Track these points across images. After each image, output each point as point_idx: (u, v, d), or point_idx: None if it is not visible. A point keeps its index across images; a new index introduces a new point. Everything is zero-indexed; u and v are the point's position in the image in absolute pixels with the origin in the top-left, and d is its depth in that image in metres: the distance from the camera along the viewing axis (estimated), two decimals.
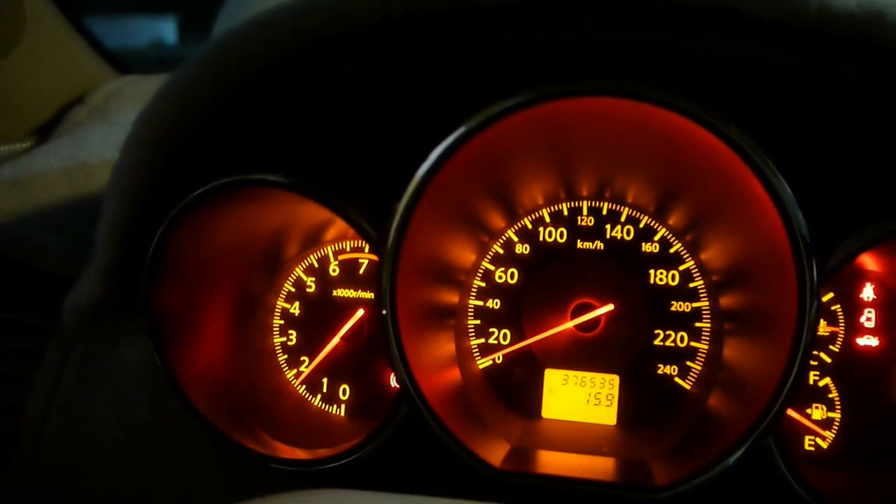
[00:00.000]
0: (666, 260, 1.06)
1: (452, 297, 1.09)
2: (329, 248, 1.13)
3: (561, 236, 1.09)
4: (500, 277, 1.10)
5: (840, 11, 0.65)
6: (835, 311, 1.03)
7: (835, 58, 0.71)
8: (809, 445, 1.03)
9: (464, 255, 1.09)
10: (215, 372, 1.01)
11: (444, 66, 0.83)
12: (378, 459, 0.88)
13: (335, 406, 1.11)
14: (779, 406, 0.78)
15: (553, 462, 0.90)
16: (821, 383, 1.03)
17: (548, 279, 1.09)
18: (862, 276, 1.02)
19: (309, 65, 0.76)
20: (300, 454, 0.95)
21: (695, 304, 1.05)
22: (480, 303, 1.10)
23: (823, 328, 1.03)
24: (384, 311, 0.85)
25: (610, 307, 1.06)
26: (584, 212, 1.09)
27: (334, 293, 1.12)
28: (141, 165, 0.78)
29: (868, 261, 1.00)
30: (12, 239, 1.05)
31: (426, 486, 0.87)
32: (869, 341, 1.02)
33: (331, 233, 1.12)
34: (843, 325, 1.03)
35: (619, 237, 1.08)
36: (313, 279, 1.13)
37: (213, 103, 0.75)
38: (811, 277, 0.77)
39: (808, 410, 1.02)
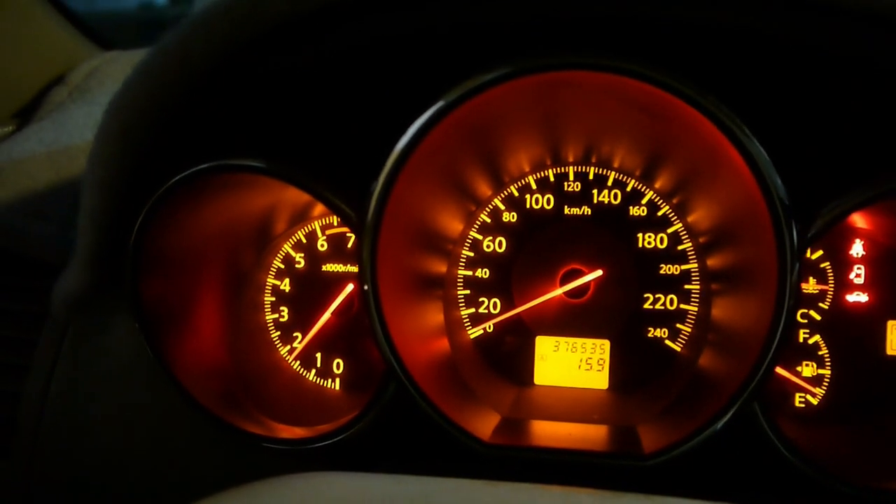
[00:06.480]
0: (654, 223, 1.05)
1: (440, 268, 1.08)
2: (317, 223, 1.13)
3: (548, 203, 1.08)
4: (488, 246, 1.10)
5: None
6: (824, 269, 1.02)
7: (816, 23, 0.69)
8: (800, 402, 1.03)
9: (451, 224, 1.08)
10: (208, 354, 1.01)
11: (420, 40, 0.81)
12: (370, 436, 0.89)
13: (330, 380, 1.12)
14: (763, 372, 0.78)
15: (543, 432, 0.91)
16: (811, 340, 1.03)
17: (536, 246, 1.09)
18: (851, 234, 1.02)
19: (276, 47, 0.74)
20: (298, 432, 0.96)
21: (683, 267, 1.05)
22: (469, 272, 1.10)
23: (813, 286, 1.03)
24: (365, 287, 0.85)
25: (598, 273, 1.06)
26: (571, 177, 1.08)
27: (323, 268, 1.12)
28: (114, 155, 0.78)
29: (857, 218, 0.99)
30: None
31: (418, 460, 0.89)
32: (858, 297, 1.02)
33: (318, 208, 1.11)
34: (832, 282, 1.02)
35: (606, 202, 1.07)
36: (302, 255, 1.13)
37: (180, 90, 0.74)
38: (791, 240, 0.76)
39: (799, 368, 1.03)
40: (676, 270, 1.05)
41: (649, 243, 1.06)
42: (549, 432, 0.91)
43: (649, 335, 1.06)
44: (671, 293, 1.05)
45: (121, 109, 0.75)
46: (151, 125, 0.76)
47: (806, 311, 1.03)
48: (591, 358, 1.07)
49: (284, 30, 0.70)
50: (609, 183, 1.07)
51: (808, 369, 1.03)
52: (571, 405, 1.02)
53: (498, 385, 1.06)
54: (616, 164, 1.06)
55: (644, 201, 1.06)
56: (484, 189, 1.08)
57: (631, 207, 1.06)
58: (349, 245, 1.12)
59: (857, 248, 1.02)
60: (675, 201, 1.04)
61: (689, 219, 1.03)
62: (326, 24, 0.73)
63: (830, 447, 0.94)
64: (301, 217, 1.13)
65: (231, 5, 0.68)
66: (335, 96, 0.89)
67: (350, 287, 1.10)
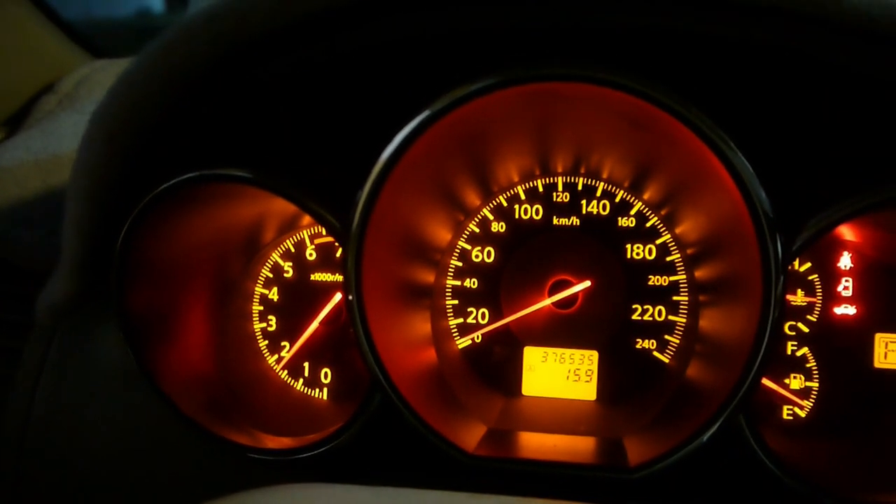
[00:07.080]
0: (643, 234, 1.05)
1: (428, 278, 1.08)
2: (305, 232, 1.13)
3: (537, 213, 1.08)
4: (476, 257, 1.09)
5: None
6: (812, 281, 1.02)
7: (799, 34, 0.69)
8: (788, 415, 1.03)
9: (439, 234, 1.08)
10: (194, 363, 1.01)
11: (408, 48, 0.81)
12: (356, 447, 0.88)
13: (318, 390, 1.12)
14: (748, 384, 0.78)
15: (529, 444, 0.90)
16: (798, 353, 1.03)
17: (524, 257, 1.08)
18: (839, 246, 1.02)
19: (261, 56, 0.74)
20: (285, 442, 0.96)
21: (672, 278, 1.05)
22: (458, 282, 1.10)
23: (801, 298, 1.02)
24: (350, 297, 0.85)
25: (587, 284, 1.06)
26: (560, 188, 1.08)
27: (312, 277, 1.12)
28: (98, 165, 0.77)
29: (845, 231, 0.99)
30: None
31: (404, 471, 0.88)
32: (846, 310, 1.01)
33: (306, 217, 1.11)
34: (820, 294, 1.02)
35: (595, 212, 1.07)
36: (290, 264, 1.13)
37: (165, 99, 0.73)
38: (775, 252, 0.76)
39: (786, 380, 1.03)
40: (665, 281, 1.05)
41: (638, 254, 1.05)
42: (535, 444, 0.90)
43: (637, 346, 1.06)
44: (659, 304, 1.05)
45: (105, 117, 0.75)
46: (136, 133, 0.76)
47: (794, 323, 1.03)
48: (579, 369, 1.07)
49: (269, 39, 0.70)
50: (598, 194, 1.07)
51: (795, 382, 1.03)
52: (558, 416, 1.02)
53: (485, 396, 1.06)
54: (605, 175, 1.06)
55: (632, 212, 1.06)
56: (472, 199, 1.08)
57: (619, 218, 1.06)
58: (338, 254, 1.12)
59: (845, 261, 1.02)
60: (663, 212, 1.04)
61: (678, 230, 1.03)
62: (312, 34, 0.73)
63: (817, 459, 0.94)
64: (289, 226, 1.12)
65: (215, 14, 0.68)
66: (323, 105, 0.89)
67: (338, 296, 1.10)
